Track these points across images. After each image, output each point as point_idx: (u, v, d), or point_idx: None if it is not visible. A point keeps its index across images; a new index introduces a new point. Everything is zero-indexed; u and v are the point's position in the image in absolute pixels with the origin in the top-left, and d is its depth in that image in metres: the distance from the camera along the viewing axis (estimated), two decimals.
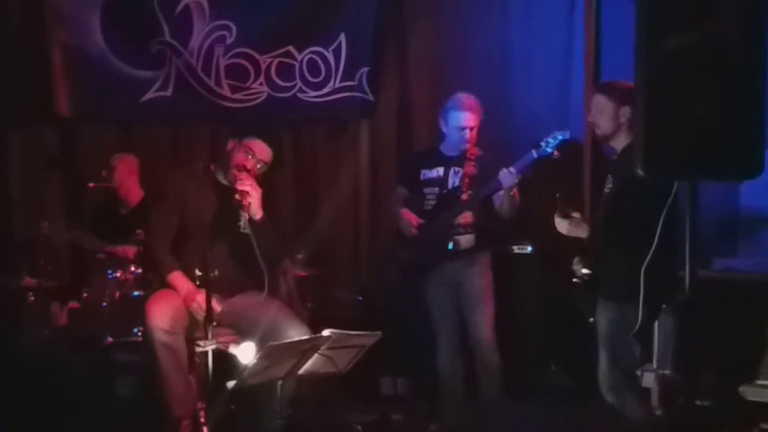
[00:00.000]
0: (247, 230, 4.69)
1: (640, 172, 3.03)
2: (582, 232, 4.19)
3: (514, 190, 5.07)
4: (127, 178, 6.06)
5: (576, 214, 4.23)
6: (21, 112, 6.34)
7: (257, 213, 4.71)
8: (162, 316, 4.54)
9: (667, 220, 3.73)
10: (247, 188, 4.68)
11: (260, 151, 4.90)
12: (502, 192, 5.07)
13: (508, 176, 4.98)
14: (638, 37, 3.01)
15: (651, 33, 2.97)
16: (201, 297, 4.50)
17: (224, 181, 4.89)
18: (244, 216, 4.69)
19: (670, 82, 2.95)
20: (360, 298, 6.14)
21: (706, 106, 2.93)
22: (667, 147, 2.98)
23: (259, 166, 4.89)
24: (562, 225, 4.23)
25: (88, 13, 6.25)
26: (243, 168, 4.79)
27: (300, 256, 5.85)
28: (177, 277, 4.76)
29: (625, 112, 4.08)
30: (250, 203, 4.68)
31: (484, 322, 5.28)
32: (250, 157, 4.85)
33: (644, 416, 4.01)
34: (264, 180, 4.92)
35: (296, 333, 4.43)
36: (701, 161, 2.98)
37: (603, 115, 4.15)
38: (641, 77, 3.02)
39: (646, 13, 2.99)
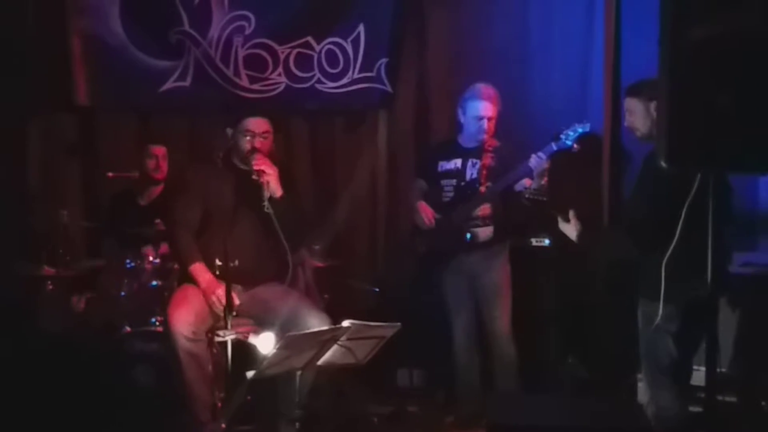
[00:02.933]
0: (270, 210, 4.67)
1: (663, 164, 3.01)
2: (572, 233, 4.21)
3: (545, 178, 5.02)
4: (167, 169, 6.07)
5: (571, 215, 4.22)
6: (40, 101, 6.35)
7: (277, 190, 4.70)
8: (184, 322, 4.54)
9: (691, 214, 3.70)
10: (263, 167, 4.68)
11: (257, 126, 4.88)
12: (525, 180, 5.03)
13: (536, 160, 4.96)
14: (662, 28, 2.98)
15: (675, 23, 2.94)
16: (221, 291, 4.50)
17: (242, 166, 4.88)
18: (266, 195, 4.68)
19: (694, 73, 2.92)
20: (377, 289, 6.14)
21: (730, 97, 2.90)
22: (691, 139, 2.95)
23: (264, 139, 4.87)
24: (560, 225, 4.26)
25: (107, 3, 6.26)
26: (253, 150, 4.79)
27: (317, 247, 5.86)
28: (198, 268, 4.75)
29: (656, 106, 4.05)
30: (268, 182, 4.67)
31: (501, 314, 5.27)
32: (249, 138, 4.84)
33: (677, 413, 3.98)
34: (283, 168, 4.91)
35: (316, 323, 4.44)
36: (725, 153, 2.96)
37: (636, 116, 4.13)
38: (665, 68, 2.99)
39: (671, 3, 2.96)
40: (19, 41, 6.22)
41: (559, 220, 4.27)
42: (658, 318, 3.87)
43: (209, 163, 5.08)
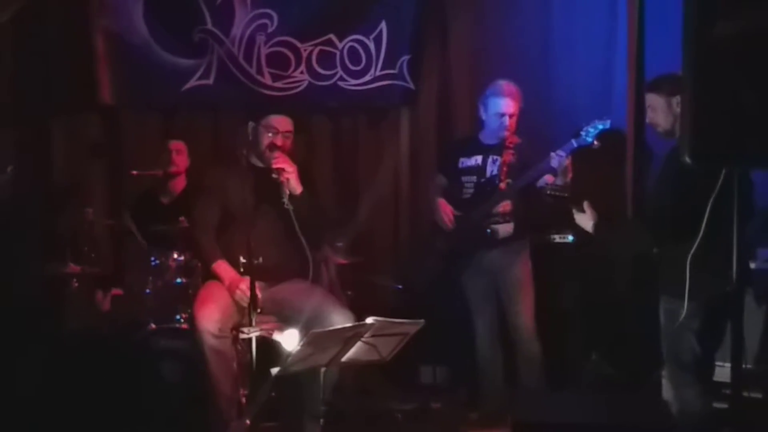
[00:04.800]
0: (289, 207, 4.69)
1: (687, 160, 3.00)
2: (588, 225, 4.20)
3: (569, 175, 5.00)
4: (186, 164, 6.09)
5: (587, 208, 4.21)
6: (65, 100, 6.38)
7: (297, 187, 4.73)
8: (210, 319, 4.57)
9: (715, 210, 3.68)
10: (283, 165, 4.70)
11: (280, 124, 4.91)
12: (547, 177, 5.01)
13: (556, 158, 4.93)
14: (686, 24, 2.97)
15: (699, 19, 2.93)
16: (245, 284, 4.53)
17: (260, 164, 4.90)
18: (285, 192, 4.70)
19: (718, 69, 2.91)
20: (400, 286, 6.14)
21: (755, 93, 2.89)
22: (715, 135, 2.94)
23: (285, 138, 4.89)
24: (576, 217, 4.25)
25: (131, 2, 6.29)
26: (273, 146, 4.82)
27: (340, 244, 5.87)
28: (221, 266, 4.80)
29: (678, 101, 4.02)
30: (288, 179, 4.69)
31: (523, 310, 5.27)
32: (271, 134, 4.86)
33: (702, 410, 3.96)
34: (303, 165, 4.93)
35: (340, 320, 4.45)
36: (749, 149, 2.94)
37: (658, 112, 4.10)
38: (689, 64, 2.98)
39: None
40: (43, 40, 6.26)
41: (574, 212, 4.25)
42: (683, 315, 3.86)
43: (228, 162, 5.10)
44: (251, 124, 4.95)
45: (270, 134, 4.86)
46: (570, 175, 4.93)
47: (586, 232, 4.29)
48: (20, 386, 5.06)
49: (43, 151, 6.41)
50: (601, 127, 4.97)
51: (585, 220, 4.22)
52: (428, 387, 5.96)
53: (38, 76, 6.27)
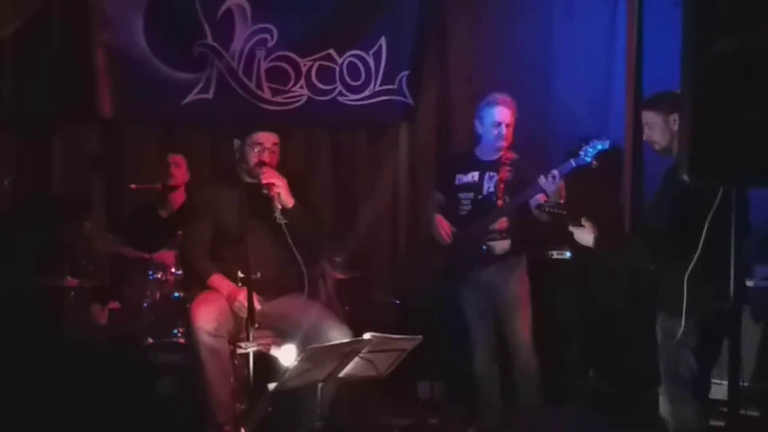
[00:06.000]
0: (282, 221, 4.69)
1: (685, 177, 3.00)
2: (588, 240, 4.20)
3: (562, 194, 5.01)
4: (185, 179, 6.09)
5: (585, 222, 4.21)
6: (64, 113, 6.40)
7: (288, 201, 4.73)
8: (207, 318, 4.57)
9: (712, 227, 3.69)
10: (271, 179, 4.71)
11: (266, 139, 4.91)
12: (540, 196, 5.02)
13: (551, 181, 4.93)
14: (685, 40, 2.97)
15: (698, 35, 2.93)
16: (243, 295, 4.53)
17: (249, 180, 4.91)
18: (277, 207, 4.70)
19: (717, 85, 2.90)
20: (398, 301, 6.15)
21: (754, 110, 2.89)
22: (713, 152, 2.94)
23: (272, 152, 4.90)
24: (575, 233, 4.25)
25: (131, 15, 6.29)
26: (261, 163, 4.82)
27: (339, 259, 5.87)
28: (217, 279, 4.80)
29: (676, 119, 4.03)
30: (279, 193, 4.70)
31: (521, 327, 5.26)
32: (258, 150, 4.86)
33: (699, 428, 3.95)
34: (298, 178, 4.96)
35: (338, 335, 4.45)
36: (748, 166, 2.94)
37: (655, 129, 4.11)
38: (687, 80, 2.97)
39: (693, 15, 2.95)
40: (44, 53, 6.28)
41: (573, 228, 4.25)
42: (680, 332, 3.86)
43: (219, 179, 5.10)
44: (237, 141, 4.96)
45: (256, 150, 4.86)
46: (563, 198, 4.94)
47: (585, 248, 4.29)
48: (16, 398, 5.05)
49: (43, 164, 6.41)
50: (600, 147, 4.96)
51: (585, 235, 4.22)
52: (425, 402, 5.94)
53: (39, 88, 6.27)
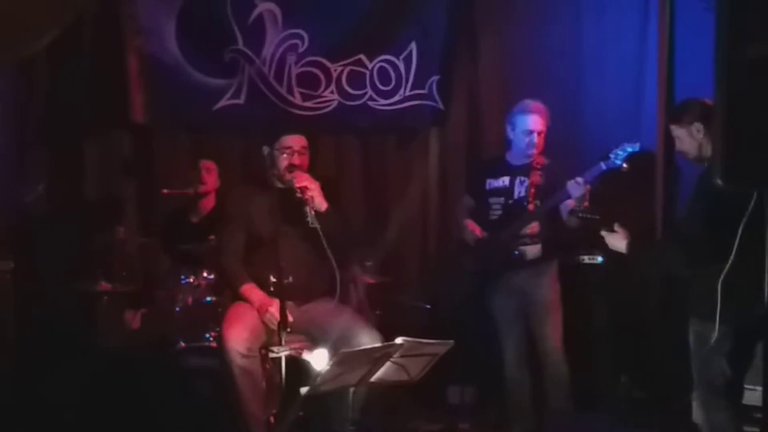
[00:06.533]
0: (315, 224, 4.68)
1: (719, 182, 2.99)
2: (621, 245, 4.19)
3: (585, 200, 5.00)
4: (216, 184, 6.13)
5: (618, 228, 4.20)
6: (97, 119, 6.44)
7: (322, 204, 4.71)
8: (238, 338, 4.56)
9: (745, 232, 3.67)
10: (305, 183, 4.70)
11: (295, 142, 4.90)
12: (569, 202, 5.01)
13: (576, 187, 4.93)
14: (718, 45, 2.96)
15: (731, 41, 2.93)
16: (274, 307, 4.53)
17: (280, 185, 4.91)
18: (310, 211, 4.69)
19: (750, 91, 2.90)
20: (428, 306, 6.14)
21: None
22: (747, 157, 2.93)
23: (301, 155, 4.89)
24: (607, 238, 4.24)
25: (163, 22, 6.33)
26: (291, 167, 4.81)
27: (369, 264, 5.88)
28: (249, 289, 4.81)
29: (698, 128, 4.05)
30: (312, 197, 4.69)
31: (551, 332, 5.24)
32: (287, 155, 4.86)
33: None
34: (330, 183, 4.95)
35: (368, 340, 4.45)
36: None
37: (683, 141, 4.13)
38: (720, 86, 2.97)
39: (727, 20, 2.94)
40: (77, 60, 6.33)
41: (605, 233, 4.25)
42: (713, 338, 3.83)
43: (251, 185, 5.11)
44: (266, 148, 4.95)
45: (285, 155, 4.86)
46: (586, 202, 4.93)
47: (617, 254, 4.28)
48: (52, 403, 5.10)
49: (76, 170, 6.46)
50: (630, 150, 4.94)
51: (617, 240, 4.21)
52: (456, 407, 5.95)
53: (72, 95, 6.32)
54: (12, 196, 6.00)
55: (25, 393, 5.32)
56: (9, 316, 5.70)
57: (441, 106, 6.52)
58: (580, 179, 4.92)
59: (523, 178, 5.26)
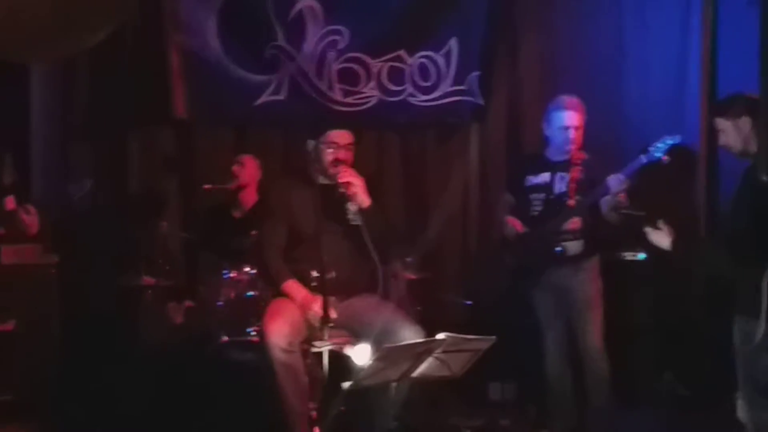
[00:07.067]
0: (357, 221, 4.68)
1: (764, 178, 2.97)
2: (665, 243, 4.16)
3: (622, 195, 4.98)
4: (253, 179, 6.16)
5: (662, 225, 4.18)
6: (140, 115, 6.50)
7: (365, 200, 4.69)
8: (280, 334, 4.56)
9: None
10: (349, 178, 4.69)
11: (341, 138, 4.87)
12: (609, 197, 4.99)
13: (615, 181, 4.91)
14: (762, 39, 2.95)
15: None
16: (318, 305, 4.55)
17: (326, 181, 4.91)
18: (352, 207, 4.69)
19: None
20: (469, 302, 6.14)
21: None
22: None
23: (347, 151, 4.87)
24: (651, 235, 4.22)
25: (205, 18, 6.38)
26: (337, 161, 4.80)
27: (410, 260, 5.88)
28: (291, 285, 4.80)
29: (745, 121, 4.00)
30: (355, 192, 4.68)
31: (592, 329, 5.21)
32: (332, 150, 4.84)
33: None
34: (372, 179, 4.92)
35: (410, 335, 4.44)
36: None
37: (728, 135, 4.08)
38: (766, 80, 2.95)
39: None
40: (120, 57, 6.40)
41: (649, 231, 4.22)
42: (758, 336, 3.81)
43: (293, 180, 5.12)
44: (311, 142, 4.93)
45: (331, 150, 4.84)
46: (623, 197, 4.90)
47: (660, 250, 4.26)
48: (97, 396, 5.16)
49: (120, 166, 6.54)
50: (670, 142, 4.91)
51: (662, 238, 4.19)
52: (496, 404, 5.92)
53: (115, 91, 6.40)
54: (58, 191, 6.08)
55: (70, 387, 5.39)
56: (54, 311, 5.77)
57: (481, 101, 6.52)
58: (620, 175, 4.90)
59: (563, 174, 5.24)
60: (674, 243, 4.13)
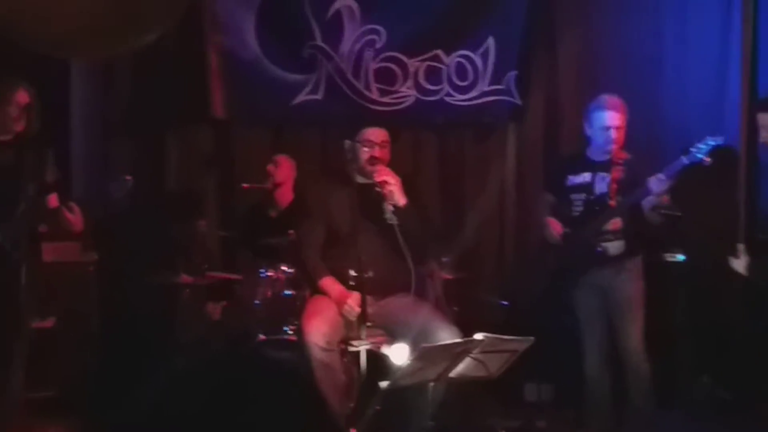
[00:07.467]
0: (394, 220, 4.66)
1: None
2: (741, 267, 4.13)
3: (664, 197, 4.94)
4: (288, 179, 6.18)
5: (740, 250, 4.14)
6: (179, 114, 6.55)
7: (401, 199, 4.67)
8: (318, 332, 4.58)
9: None
10: (386, 177, 4.67)
11: (376, 136, 4.87)
12: (651, 198, 4.95)
13: (656, 182, 4.86)
14: None
15: None
16: (353, 299, 4.56)
17: (363, 180, 4.92)
18: (388, 206, 4.66)
19: None
20: (505, 302, 6.12)
21: None
22: None
23: (382, 149, 4.86)
24: (732, 263, 4.19)
25: (243, 18, 6.41)
26: (373, 160, 4.80)
27: (446, 259, 5.87)
28: (328, 282, 4.82)
29: None
30: (391, 191, 4.66)
31: (634, 330, 5.16)
32: (368, 148, 4.84)
33: None
34: (408, 179, 4.92)
35: (447, 335, 4.44)
36: None
37: None
38: None
39: None
40: (159, 56, 6.44)
41: (730, 259, 4.18)
42: None
43: (331, 179, 5.13)
44: (348, 142, 4.94)
45: (367, 148, 4.84)
46: (665, 198, 4.86)
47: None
48: (135, 393, 5.18)
49: (158, 164, 6.59)
50: (713, 143, 4.85)
51: (739, 264, 4.15)
52: (533, 405, 5.90)
53: (154, 90, 6.44)
54: (98, 189, 6.13)
55: (109, 383, 5.43)
56: (93, 308, 5.82)
57: (519, 101, 6.50)
58: (661, 176, 4.85)
59: (604, 174, 5.19)
60: (749, 267, 4.10)
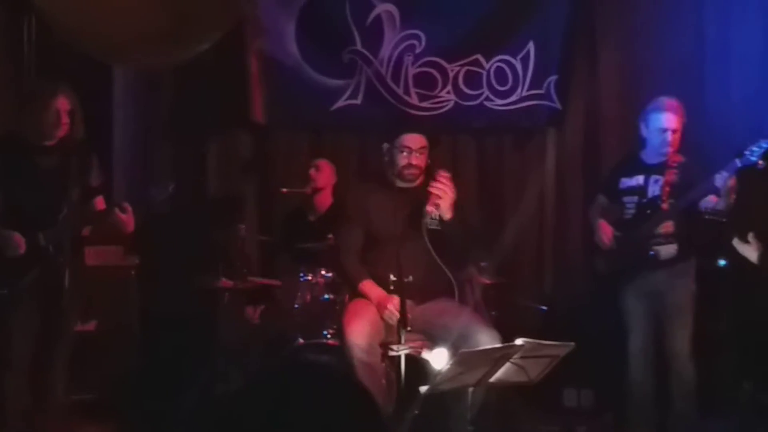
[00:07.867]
0: (434, 225, 4.66)
1: None
2: (753, 256, 4.08)
3: (732, 195, 4.87)
4: (328, 183, 6.20)
5: (751, 238, 4.09)
6: (219, 118, 6.59)
7: (447, 213, 4.68)
8: (359, 334, 4.58)
9: None
10: (440, 191, 4.66)
11: (414, 142, 4.85)
12: (711, 197, 4.88)
13: (721, 181, 4.81)
14: None
15: None
16: (393, 303, 4.56)
17: (401, 184, 4.91)
18: (432, 214, 4.66)
19: None
20: (544, 308, 6.09)
21: None
22: None
23: (420, 155, 4.85)
24: (739, 248, 4.15)
25: (284, 24, 6.45)
26: (410, 166, 4.80)
27: (486, 264, 5.86)
28: (368, 285, 4.83)
29: None
30: (439, 205, 4.66)
31: (683, 333, 5.11)
32: (406, 153, 4.84)
33: None
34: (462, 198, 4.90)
35: (487, 340, 4.42)
36: None
37: None
38: None
39: None
40: (200, 62, 6.48)
41: (737, 242, 4.15)
42: None
43: (370, 183, 5.14)
44: (385, 145, 4.94)
45: (404, 153, 4.84)
46: (733, 196, 4.80)
47: (741, 257, 4.19)
48: (175, 396, 5.22)
49: (199, 168, 6.63)
50: (766, 146, 4.80)
51: (749, 251, 4.12)
52: (572, 410, 5.87)
53: (195, 94, 6.49)
54: (140, 193, 6.18)
55: (149, 387, 5.48)
56: (134, 311, 5.87)
57: (558, 106, 6.48)
58: (725, 173, 4.79)
59: (657, 177, 5.15)
60: (761, 257, 4.05)
